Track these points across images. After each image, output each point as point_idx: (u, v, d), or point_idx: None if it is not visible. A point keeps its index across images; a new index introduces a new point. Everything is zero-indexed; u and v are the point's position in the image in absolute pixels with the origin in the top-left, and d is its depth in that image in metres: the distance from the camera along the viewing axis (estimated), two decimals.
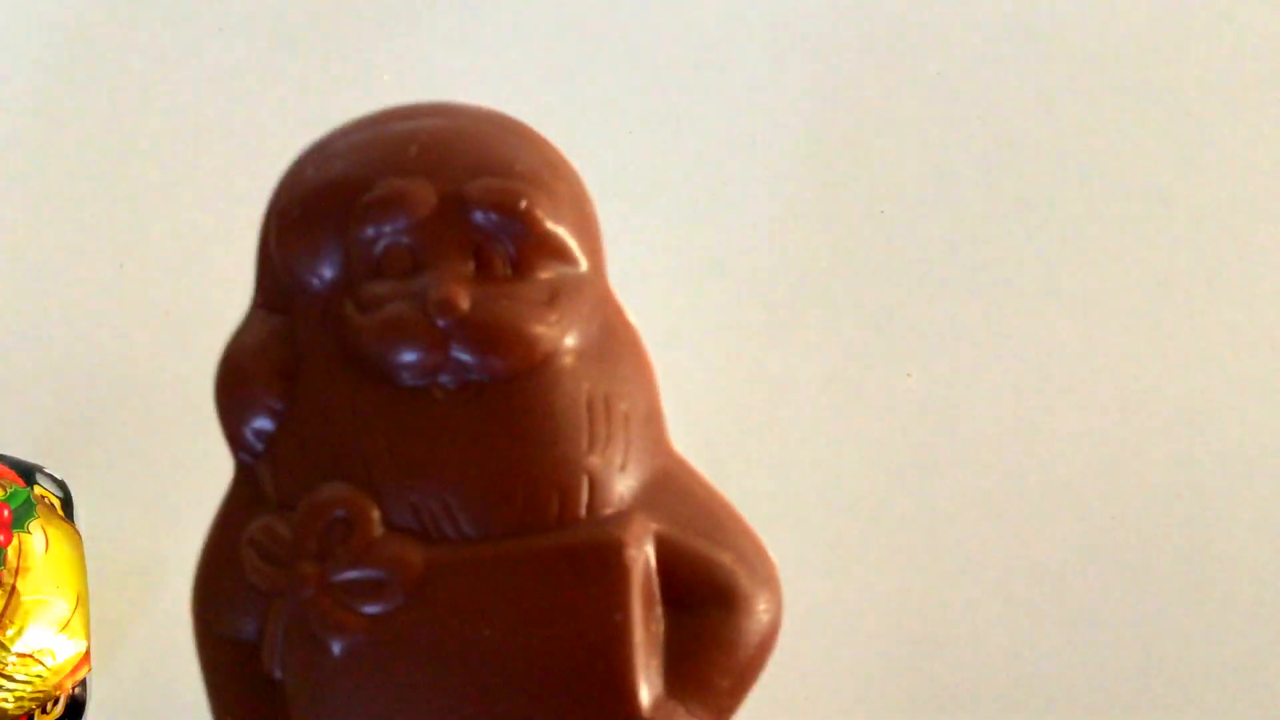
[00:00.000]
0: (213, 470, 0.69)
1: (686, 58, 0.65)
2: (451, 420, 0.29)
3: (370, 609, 0.28)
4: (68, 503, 0.57)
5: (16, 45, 0.67)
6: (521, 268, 0.30)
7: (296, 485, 0.28)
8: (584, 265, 0.31)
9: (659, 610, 0.28)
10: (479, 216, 0.29)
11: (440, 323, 0.28)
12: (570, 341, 0.30)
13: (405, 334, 0.28)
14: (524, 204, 0.29)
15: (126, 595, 0.64)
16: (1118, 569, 0.50)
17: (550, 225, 0.30)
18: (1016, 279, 0.59)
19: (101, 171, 0.66)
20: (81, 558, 0.55)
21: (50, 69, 0.67)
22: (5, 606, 0.51)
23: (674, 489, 0.29)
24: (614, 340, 0.30)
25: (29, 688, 0.52)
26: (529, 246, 0.30)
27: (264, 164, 0.67)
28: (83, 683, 0.54)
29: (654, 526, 0.28)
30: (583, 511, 0.28)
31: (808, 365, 0.63)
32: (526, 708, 0.27)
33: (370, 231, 0.29)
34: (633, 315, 0.31)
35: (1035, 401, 0.56)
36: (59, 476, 0.57)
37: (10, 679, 0.51)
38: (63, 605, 0.53)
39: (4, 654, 0.52)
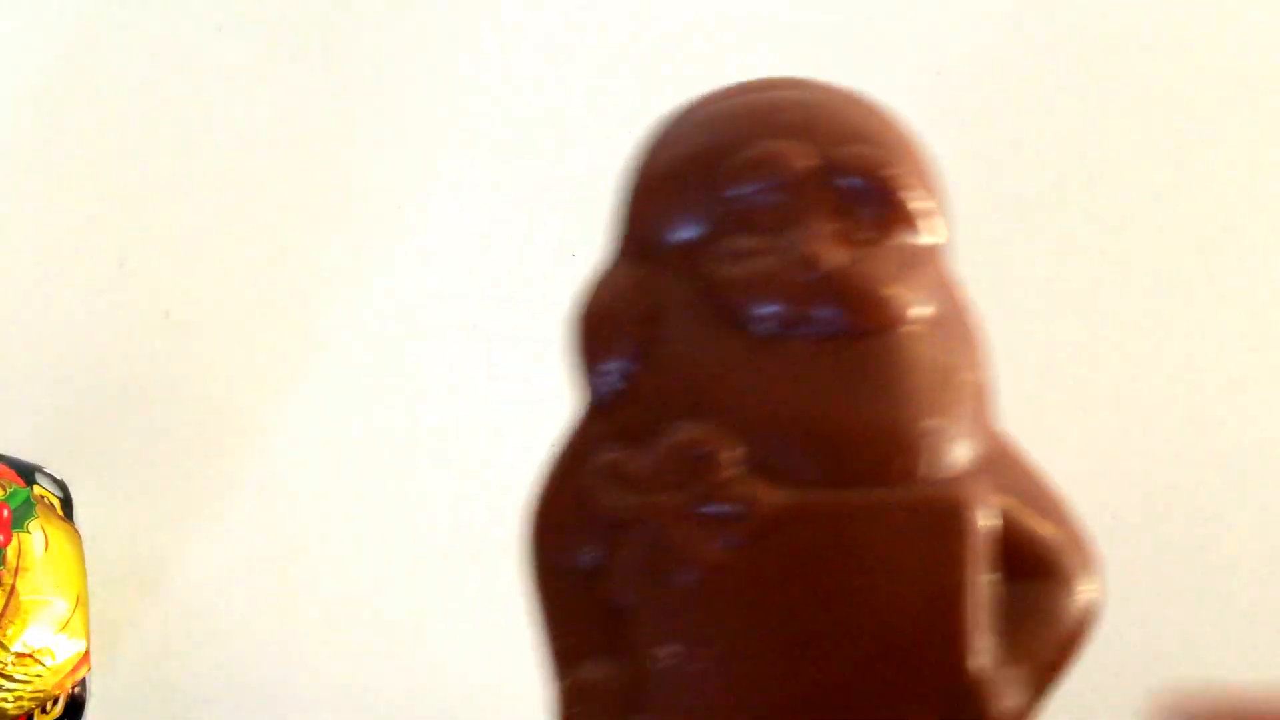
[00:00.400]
0: (213, 470, 0.69)
1: (686, 57, 0.65)
2: (808, 371, 0.30)
3: (724, 542, 0.28)
4: (68, 503, 0.57)
5: (17, 46, 0.67)
6: (880, 231, 0.31)
7: (653, 422, 0.29)
8: (934, 238, 0.32)
9: (992, 574, 0.28)
10: (846, 181, 0.30)
11: (806, 277, 0.30)
12: (920, 308, 0.31)
13: (772, 286, 0.30)
14: (890, 172, 0.31)
15: (126, 595, 0.64)
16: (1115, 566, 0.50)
17: (910, 196, 0.31)
18: (1013, 279, 0.59)
19: (101, 171, 0.66)
20: (81, 558, 0.55)
21: (51, 69, 0.67)
22: (5, 606, 0.51)
23: (1005, 464, 0.30)
24: (956, 314, 0.31)
25: (29, 687, 0.52)
26: (889, 214, 0.31)
27: (264, 164, 0.68)
28: (83, 683, 0.54)
29: (992, 495, 0.29)
30: (925, 470, 0.28)
31: None
32: (861, 655, 0.28)
33: (742, 188, 0.30)
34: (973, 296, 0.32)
35: (1035, 402, 0.56)
36: (59, 476, 0.57)
37: (10, 679, 0.51)
38: (63, 605, 0.53)
39: (3, 654, 0.51)
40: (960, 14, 0.65)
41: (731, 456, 0.29)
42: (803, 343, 0.30)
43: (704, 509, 0.29)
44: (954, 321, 0.31)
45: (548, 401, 0.70)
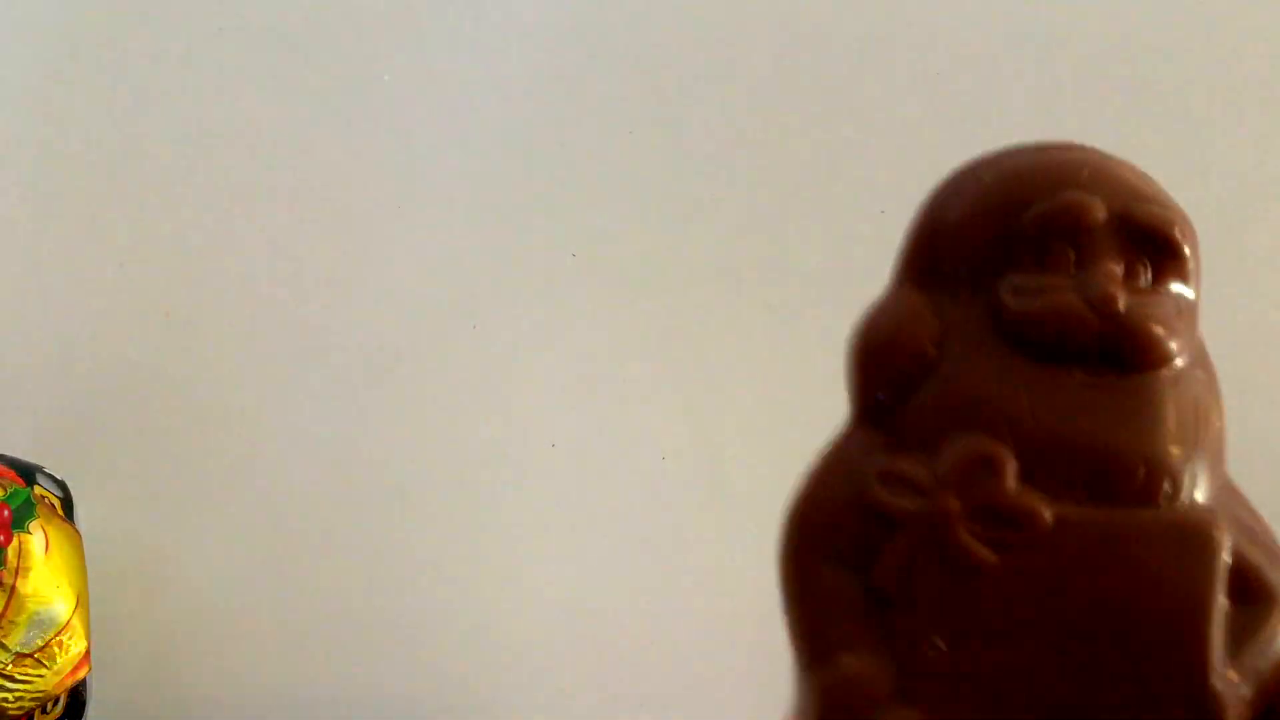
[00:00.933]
0: (213, 471, 0.69)
1: (687, 57, 0.65)
2: (1084, 398, 0.33)
3: (1001, 548, 0.31)
4: (68, 503, 0.57)
5: (17, 46, 0.67)
6: (1158, 280, 0.34)
7: (931, 436, 0.32)
8: (1195, 292, 0.36)
9: (1225, 599, 0.31)
10: (1135, 233, 0.34)
11: (1100, 315, 0.33)
12: (1186, 353, 0.34)
13: (1066, 319, 0.33)
14: (1176, 231, 0.35)
15: (126, 595, 0.64)
16: None
17: (1186, 252, 0.35)
18: None
19: (102, 172, 0.66)
20: (81, 558, 0.55)
21: (51, 70, 0.67)
22: (5, 606, 0.51)
23: (1234, 503, 0.33)
24: (1204, 363, 0.34)
25: (30, 688, 0.52)
26: (1167, 266, 0.35)
27: (264, 164, 0.68)
28: (83, 682, 0.54)
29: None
30: (1184, 497, 0.32)
31: (807, 365, 0.63)
32: (1114, 661, 0.30)
33: (1043, 231, 0.33)
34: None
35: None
36: (59, 476, 0.57)
37: (11, 679, 0.51)
38: (62, 605, 0.53)
39: (4, 654, 0.51)
40: (956, 15, 0.65)
41: (1012, 469, 0.31)
42: (1082, 372, 0.33)
43: (983, 513, 0.31)
44: (1206, 369, 0.36)
45: (547, 401, 0.70)
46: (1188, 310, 0.36)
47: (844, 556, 0.32)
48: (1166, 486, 0.33)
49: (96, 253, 0.65)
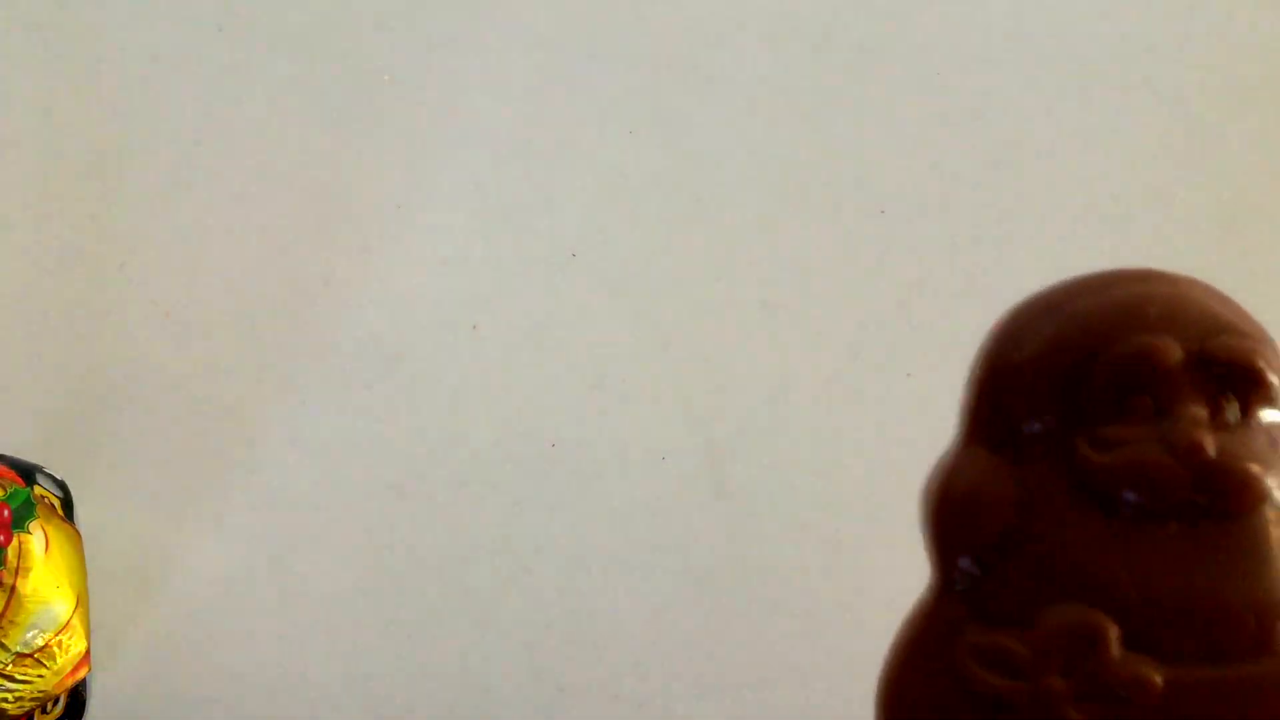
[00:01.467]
0: (213, 471, 0.69)
1: (687, 57, 0.65)
2: (1186, 552, 0.31)
3: None
4: (68, 503, 0.56)
5: (18, 46, 0.66)
6: (1248, 414, 0.32)
7: (1027, 605, 0.31)
8: None
9: None
10: (1217, 370, 0.32)
11: (1187, 465, 0.31)
12: None
13: (1153, 474, 0.31)
14: (1258, 359, 0.33)
15: (126, 595, 0.63)
16: None
17: (1273, 380, 0.33)
18: (1016, 278, 0.59)
19: (102, 172, 0.65)
20: (81, 558, 0.54)
21: (52, 70, 0.66)
22: (5, 606, 0.51)
23: None
24: None
25: (29, 688, 0.51)
26: (1256, 397, 0.33)
27: (265, 165, 0.68)
28: (83, 682, 0.54)
29: None
30: None
31: (808, 364, 0.63)
32: None
33: (1116, 380, 0.32)
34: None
35: None
36: (59, 476, 0.57)
37: (11, 679, 0.50)
38: (63, 605, 0.52)
39: (4, 654, 0.51)
40: (960, 17, 0.65)
41: (1114, 637, 0.30)
42: (1176, 524, 0.31)
43: (1094, 690, 0.30)
44: None
45: (548, 401, 0.70)
46: None
47: None
48: (1274, 638, 0.30)
49: (96, 252, 0.64)
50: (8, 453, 0.55)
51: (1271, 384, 0.33)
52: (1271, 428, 0.33)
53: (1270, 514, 0.32)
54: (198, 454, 0.64)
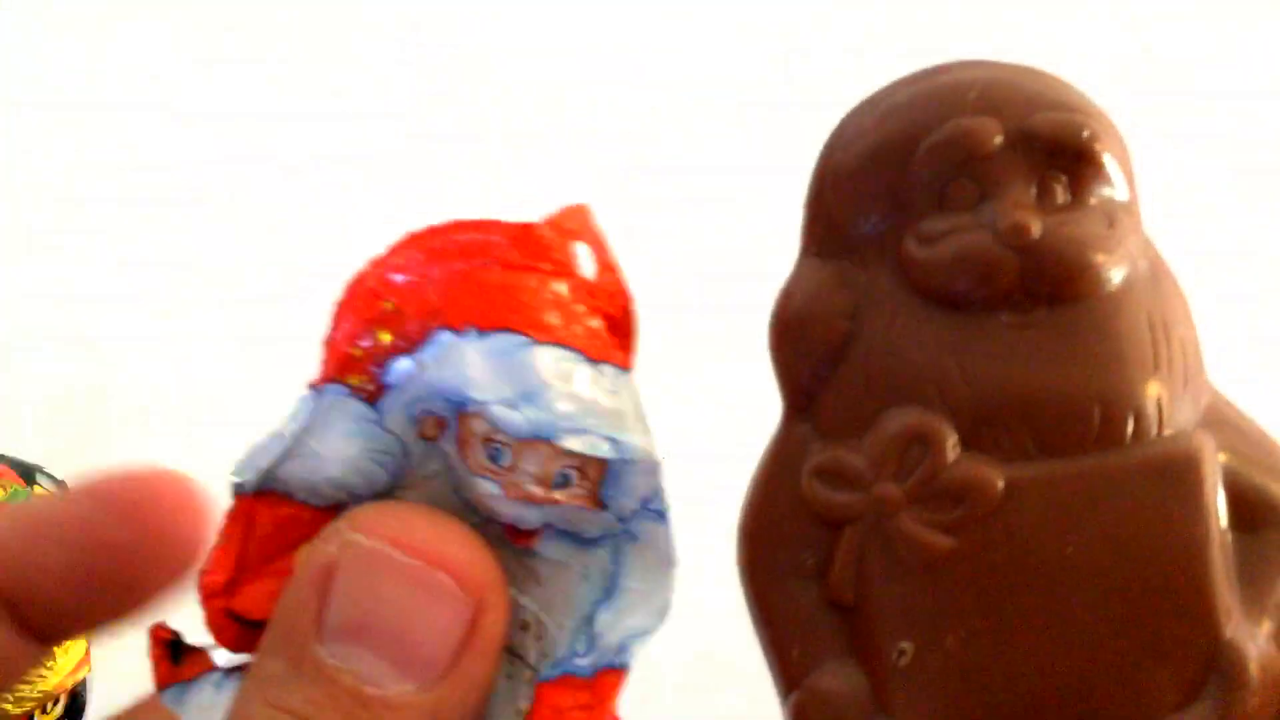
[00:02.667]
0: (212, 470, 0.69)
1: (695, 60, 0.65)
2: (1022, 344, 0.29)
3: (953, 528, 0.28)
4: None
5: (18, 46, 0.69)
6: (1078, 195, 0.30)
7: (862, 416, 0.29)
8: (1130, 193, 0.31)
9: (1227, 531, 0.27)
10: (1041, 147, 0.30)
11: (1013, 248, 0.29)
12: (1129, 267, 0.29)
13: (977, 262, 0.29)
14: (1086, 133, 0.30)
15: None
16: None
17: (1105, 154, 0.30)
18: None
19: (102, 173, 0.67)
20: None
21: (52, 69, 0.69)
22: None
23: (1226, 420, 0.28)
24: (1159, 273, 0.29)
25: (30, 688, 0.51)
26: (1087, 174, 0.30)
27: (266, 165, 0.69)
28: (83, 682, 0.54)
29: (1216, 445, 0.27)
30: (1154, 430, 0.27)
31: None
32: (1109, 625, 0.26)
33: (936, 169, 0.29)
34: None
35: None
36: (59, 476, 0.57)
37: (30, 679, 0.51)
38: None
39: None
40: (959, 24, 0.65)
41: (950, 440, 0.28)
42: (1011, 315, 0.29)
43: (927, 495, 0.28)
44: (1159, 279, 0.30)
45: None
46: (1122, 217, 0.30)
47: (800, 567, 0.28)
48: (1131, 422, 0.28)
49: (96, 252, 0.66)
50: (8, 453, 0.55)
51: (1102, 160, 0.30)
52: (1108, 206, 0.30)
53: (1110, 297, 0.29)
54: (197, 454, 0.63)
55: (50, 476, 0.57)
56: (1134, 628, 0.26)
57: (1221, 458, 0.28)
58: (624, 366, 0.27)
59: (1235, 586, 0.27)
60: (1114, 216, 0.30)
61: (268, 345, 0.65)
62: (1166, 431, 0.28)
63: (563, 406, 0.25)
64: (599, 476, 0.27)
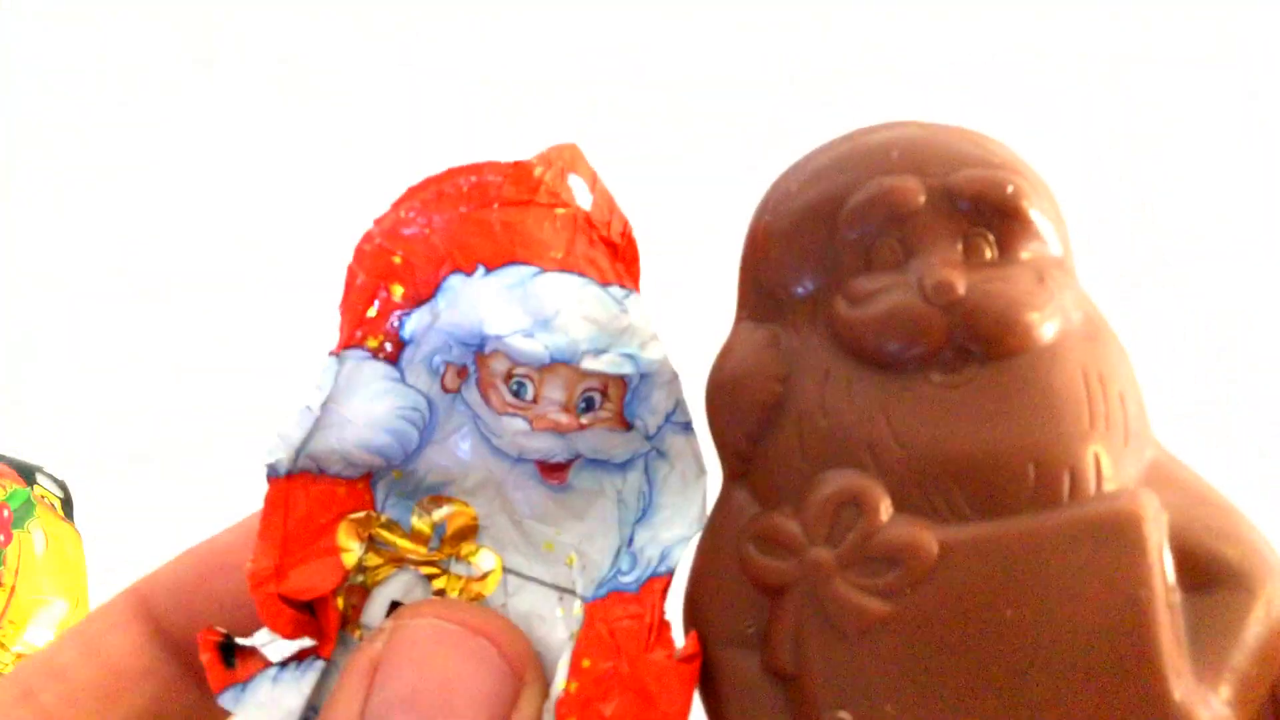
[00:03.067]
0: (212, 470, 0.69)
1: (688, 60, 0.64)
2: (952, 403, 0.28)
3: (888, 593, 0.27)
4: (68, 503, 0.56)
5: (18, 45, 0.69)
6: (1006, 251, 0.30)
7: (796, 480, 0.28)
8: (1063, 255, 0.30)
9: (1175, 591, 0.26)
10: (964, 204, 0.30)
11: (938, 307, 0.28)
12: (1061, 322, 0.29)
13: (904, 321, 0.29)
14: (1010, 189, 0.30)
15: None
16: None
17: (1031, 209, 0.30)
18: None
19: (102, 174, 0.67)
20: (81, 558, 0.55)
21: (52, 67, 0.69)
22: (5, 606, 0.52)
23: (1169, 477, 0.27)
24: (1096, 327, 0.28)
25: None
26: (1013, 230, 0.30)
27: (269, 166, 0.68)
28: None
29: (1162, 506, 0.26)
30: (1092, 488, 0.27)
31: None
32: (1053, 690, 0.26)
33: (861, 230, 0.29)
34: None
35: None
36: (59, 477, 0.58)
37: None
38: (62, 605, 0.52)
39: (4, 654, 0.52)
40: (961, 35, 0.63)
41: (883, 503, 0.28)
42: (942, 374, 0.29)
43: (860, 561, 0.28)
44: (1095, 333, 0.29)
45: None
46: (1053, 272, 0.29)
47: (741, 636, 0.27)
48: (1067, 480, 0.27)
49: (97, 252, 0.66)
50: (8, 453, 0.56)
51: (1028, 216, 0.30)
52: (1038, 262, 0.30)
53: (1044, 353, 0.29)
54: (197, 455, 0.64)
55: (51, 477, 0.57)
56: (1079, 693, 0.26)
57: (1166, 516, 0.27)
58: (632, 289, 0.28)
59: (1186, 649, 0.26)
60: (1044, 272, 0.29)
61: (270, 345, 0.65)
62: (1106, 489, 0.27)
63: (578, 329, 0.26)
64: (621, 396, 0.28)
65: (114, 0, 0.67)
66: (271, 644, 0.27)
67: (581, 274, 0.27)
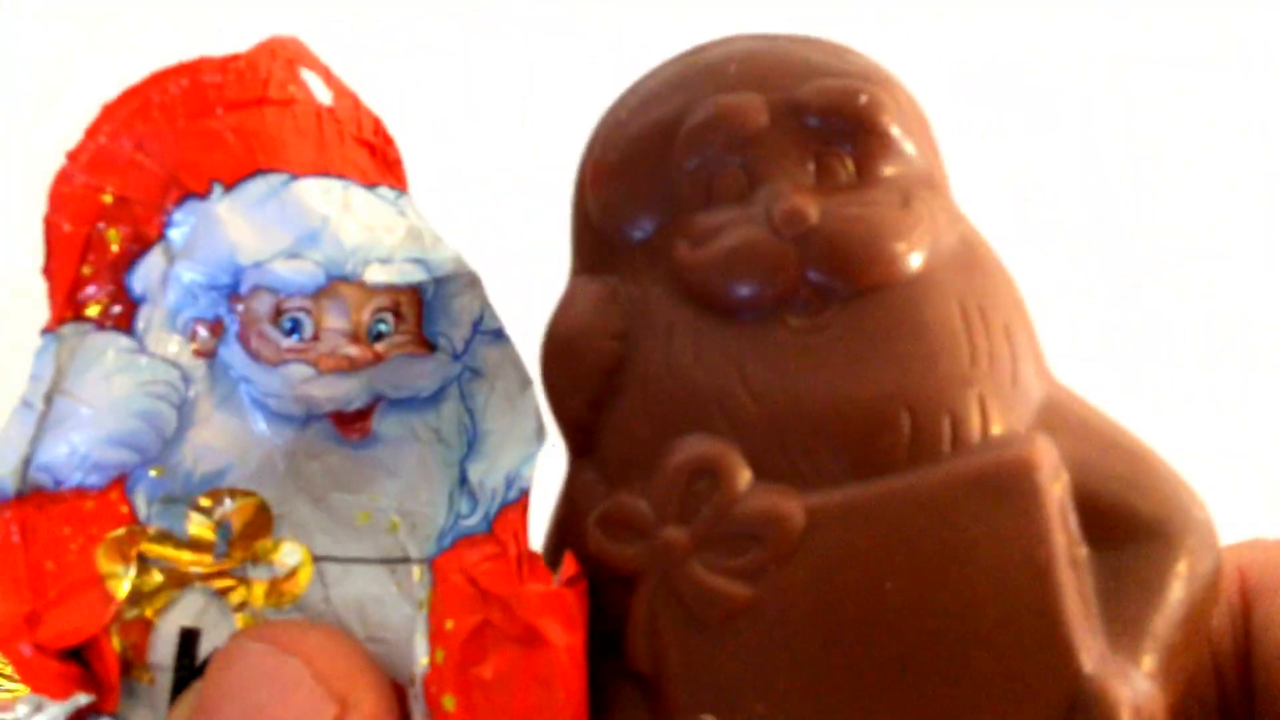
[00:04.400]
0: None
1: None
2: (813, 349, 0.24)
3: (750, 574, 0.23)
4: None
5: (19, 44, 0.68)
6: (865, 171, 0.25)
7: (644, 451, 0.24)
8: (933, 174, 0.26)
9: (1081, 548, 0.22)
10: (814, 121, 0.25)
11: (788, 238, 0.24)
12: (931, 248, 0.24)
13: (751, 258, 0.24)
14: (864, 99, 0.25)
15: None
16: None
17: (891, 122, 0.25)
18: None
19: None
20: None
21: (52, 67, 0.68)
22: None
23: (1070, 415, 0.23)
24: (977, 254, 0.24)
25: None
26: (872, 147, 0.25)
27: None
28: None
29: (1058, 450, 0.22)
30: (977, 436, 0.22)
31: None
32: (945, 671, 0.21)
33: (698, 158, 0.25)
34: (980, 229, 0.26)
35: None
36: None
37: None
38: None
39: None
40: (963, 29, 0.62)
41: (739, 469, 0.23)
42: (799, 318, 0.24)
43: (715, 537, 0.23)
44: (975, 260, 0.25)
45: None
46: (921, 193, 0.25)
47: (600, 635, 0.23)
48: (948, 429, 0.23)
49: None
50: None
51: (888, 130, 0.25)
52: (902, 182, 0.25)
53: (913, 286, 0.24)
54: None
55: None
56: (976, 672, 0.21)
57: (1066, 463, 0.23)
58: (401, 189, 0.23)
59: (1097, 614, 0.22)
60: (910, 192, 0.25)
61: None
62: (994, 435, 0.23)
63: (352, 239, 0.21)
64: (417, 315, 0.23)
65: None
66: (39, 713, 0.21)
67: (342, 176, 0.22)
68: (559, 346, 0.25)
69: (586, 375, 0.25)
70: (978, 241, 0.25)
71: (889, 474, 0.23)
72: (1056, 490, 0.23)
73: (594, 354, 0.25)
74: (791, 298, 0.24)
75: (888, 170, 0.25)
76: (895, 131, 0.25)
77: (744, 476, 0.23)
